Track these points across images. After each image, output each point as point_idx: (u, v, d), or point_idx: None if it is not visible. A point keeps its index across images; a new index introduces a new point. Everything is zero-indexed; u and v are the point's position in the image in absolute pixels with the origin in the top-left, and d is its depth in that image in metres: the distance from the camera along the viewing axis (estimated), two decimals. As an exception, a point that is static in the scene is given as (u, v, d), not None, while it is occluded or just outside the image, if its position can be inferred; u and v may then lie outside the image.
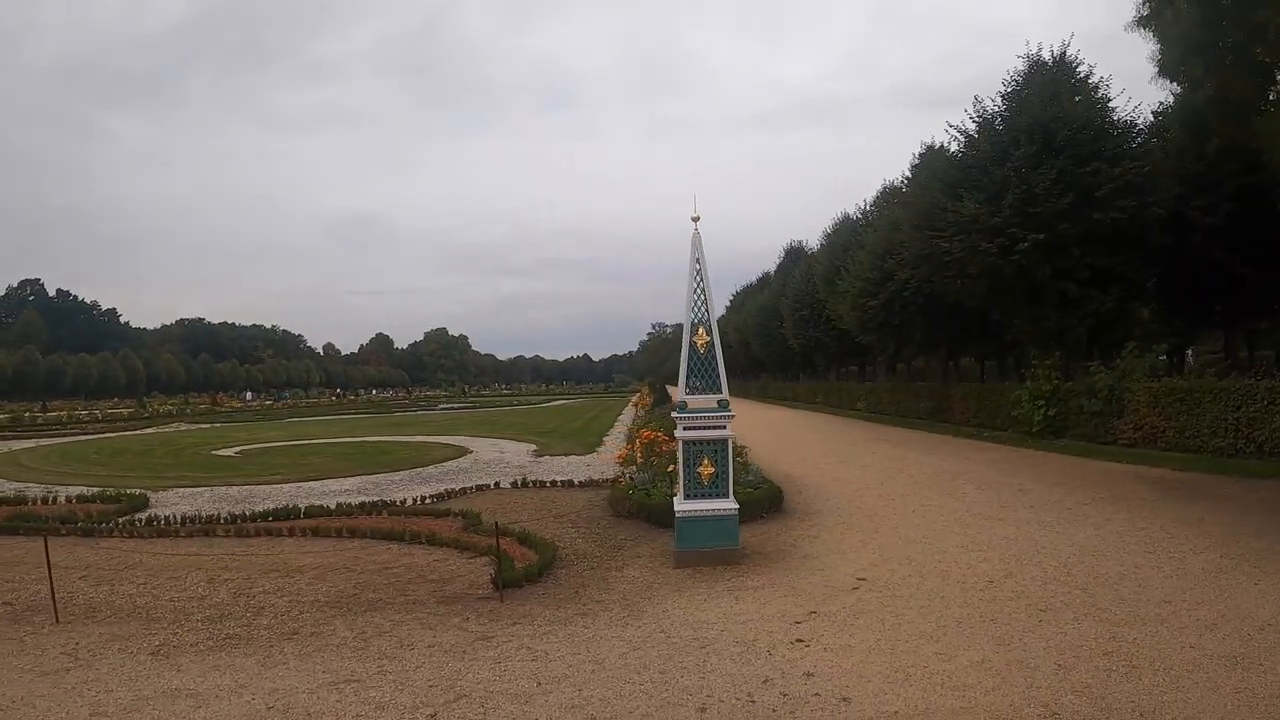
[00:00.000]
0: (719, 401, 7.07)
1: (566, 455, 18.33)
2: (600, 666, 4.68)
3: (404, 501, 11.14)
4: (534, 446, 20.84)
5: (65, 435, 31.13)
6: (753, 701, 4.13)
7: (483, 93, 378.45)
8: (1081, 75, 18.00)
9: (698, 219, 7.41)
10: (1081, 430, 17.15)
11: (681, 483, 6.96)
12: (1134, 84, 31.43)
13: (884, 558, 7.32)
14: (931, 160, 24.36)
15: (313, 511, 10.31)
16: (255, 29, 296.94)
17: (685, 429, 6.99)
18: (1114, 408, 16.39)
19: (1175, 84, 17.35)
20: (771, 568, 7.00)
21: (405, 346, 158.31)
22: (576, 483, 12.84)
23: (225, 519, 10.17)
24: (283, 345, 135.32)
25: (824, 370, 42.65)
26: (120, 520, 10.44)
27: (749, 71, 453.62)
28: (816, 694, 4.25)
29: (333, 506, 10.72)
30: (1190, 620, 5.21)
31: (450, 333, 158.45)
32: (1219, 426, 13.62)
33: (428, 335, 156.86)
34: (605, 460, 16.47)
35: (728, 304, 66.06)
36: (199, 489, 13.83)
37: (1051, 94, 17.18)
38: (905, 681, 4.41)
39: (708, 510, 6.95)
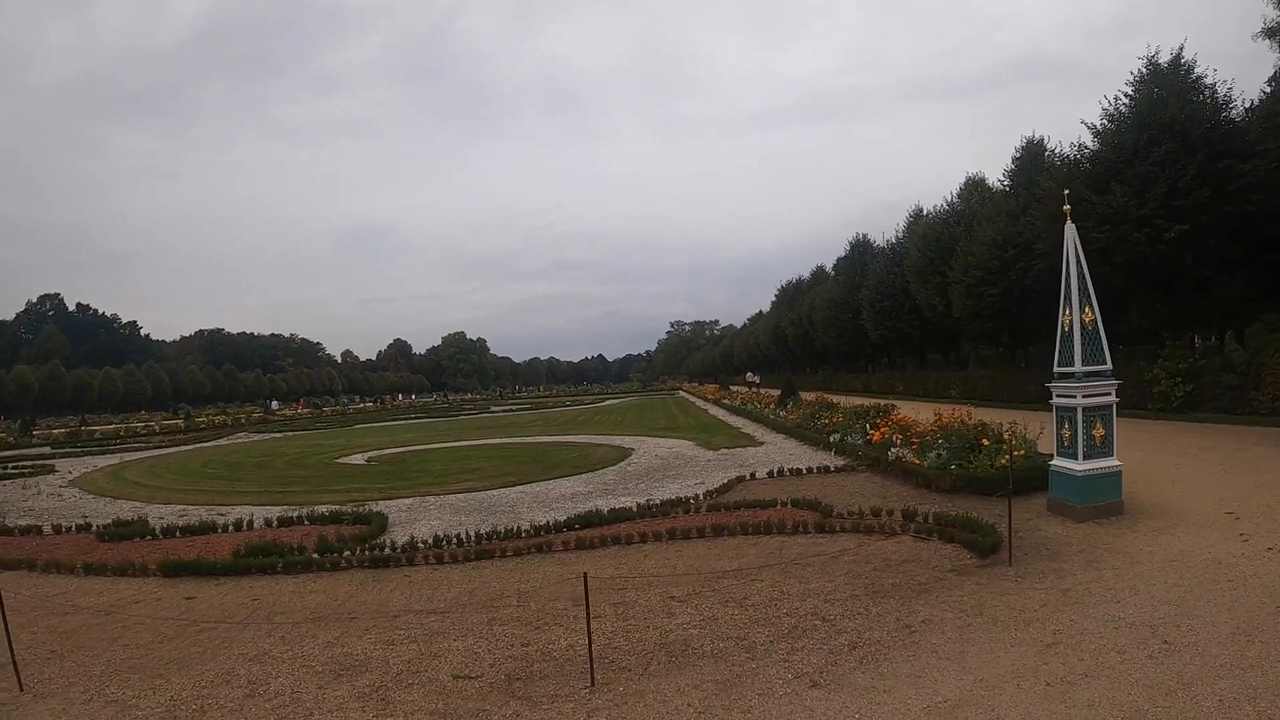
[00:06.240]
0: (1106, 371, 8.37)
1: (741, 447, 18.39)
2: (1187, 589, 5.76)
3: (696, 498, 10.93)
4: (691, 443, 20.58)
5: (138, 450, 30.00)
6: (1317, 581, 5.60)
7: (490, 98, 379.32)
8: (1196, 76, 19.44)
9: (1068, 209, 8.63)
10: (1218, 404, 18.58)
11: (1081, 445, 8.20)
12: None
13: (1218, 501, 8.60)
14: (1033, 153, 25.85)
15: (618, 515, 9.85)
16: (263, 41, 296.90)
17: (1085, 396, 8.23)
18: (1251, 380, 17.86)
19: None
20: (1148, 514, 8.23)
21: (423, 351, 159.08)
22: (833, 468, 13.14)
23: (527, 532, 9.20)
24: (302, 353, 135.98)
25: (903, 360, 44.05)
26: (397, 546, 8.72)
27: (756, 69, 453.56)
28: (1341, 569, 5.75)
29: (634, 508, 10.19)
30: None
31: (469, 336, 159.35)
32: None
33: (445, 339, 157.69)
34: (786, 450, 16.91)
35: (773, 299, 67.42)
36: (409, 500, 12.83)
37: (1183, 94, 18.60)
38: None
39: (1102, 468, 8.23)
